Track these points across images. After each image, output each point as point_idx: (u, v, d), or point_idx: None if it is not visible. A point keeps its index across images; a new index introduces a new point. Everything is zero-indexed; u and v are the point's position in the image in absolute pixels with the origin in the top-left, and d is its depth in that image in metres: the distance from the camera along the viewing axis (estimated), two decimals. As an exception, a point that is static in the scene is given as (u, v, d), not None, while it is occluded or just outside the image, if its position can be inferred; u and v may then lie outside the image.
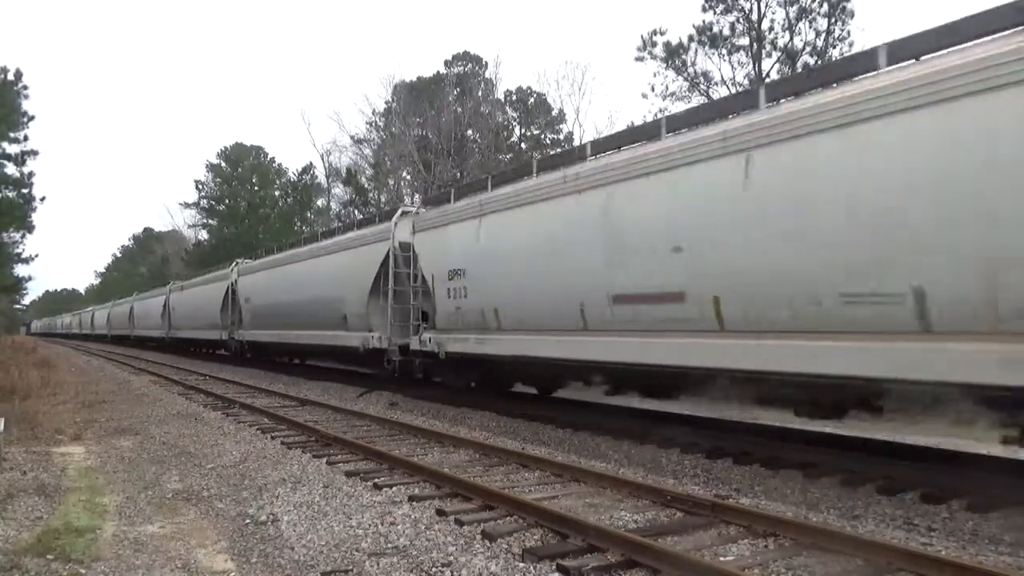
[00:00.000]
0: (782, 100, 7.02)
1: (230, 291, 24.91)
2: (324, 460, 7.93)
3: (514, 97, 39.95)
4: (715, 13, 26.38)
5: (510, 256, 10.22)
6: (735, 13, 26.22)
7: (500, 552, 4.79)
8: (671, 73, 27.82)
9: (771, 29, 25.95)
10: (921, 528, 5.46)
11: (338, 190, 44.08)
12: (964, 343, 5.34)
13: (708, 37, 26.52)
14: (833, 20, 24.91)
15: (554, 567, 4.48)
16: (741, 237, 6.89)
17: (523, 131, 40.33)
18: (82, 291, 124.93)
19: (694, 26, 26.93)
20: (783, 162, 6.56)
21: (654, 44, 27.51)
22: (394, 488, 6.57)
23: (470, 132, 34.91)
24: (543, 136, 39.74)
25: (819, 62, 23.48)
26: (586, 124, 68.64)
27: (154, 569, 4.75)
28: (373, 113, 39.27)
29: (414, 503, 6.05)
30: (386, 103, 37.57)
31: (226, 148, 60.02)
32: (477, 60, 39.09)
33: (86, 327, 65.04)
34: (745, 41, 26.42)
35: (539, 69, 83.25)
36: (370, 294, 14.42)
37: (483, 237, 10.90)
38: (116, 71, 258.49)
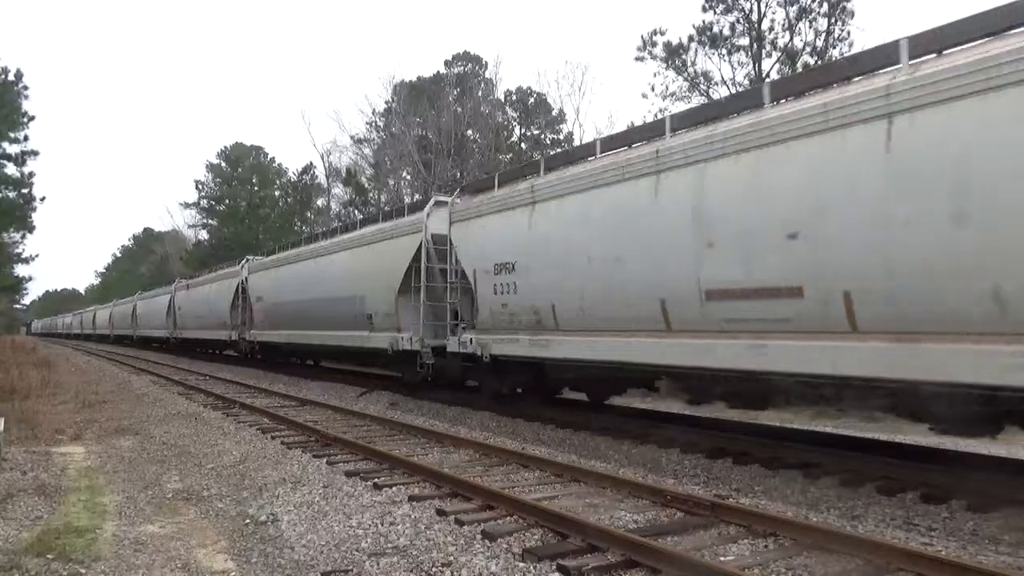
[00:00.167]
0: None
1: (240, 289, 23.95)
2: (324, 460, 7.93)
3: (514, 97, 39.90)
4: (715, 13, 26.34)
5: (570, 247, 9.15)
6: (735, 13, 26.19)
7: (500, 552, 4.79)
8: (671, 73, 27.75)
9: (771, 29, 25.92)
10: (921, 528, 5.46)
11: (338, 190, 44.04)
12: None
13: (708, 37, 26.47)
14: (833, 20, 24.87)
15: (554, 567, 4.48)
16: (886, 221, 5.72)
17: (523, 131, 40.31)
18: (82, 291, 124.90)
19: (694, 26, 26.86)
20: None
21: (654, 44, 27.45)
22: (394, 488, 6.57)
23: (470, 132, 34.86)
24: (543, 136, 39.72)
25: (819, 62, 23.45)
26: (586, 124, 68.72)
27: (154, 569, 4.75)
28: (373, 113, 39.24)
29: (414, 503, 6.05)
30: (386, 103, 37.54)
31: (226, 148, 60.04)
32: (477, 60, 39.08)
33: (88, 327, 64.52)
34: (745, 41, 26.38)
35: (539, 69, 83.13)
36: (399, 291, 13.39)
37: (536, 226, 9.86)
38: (116, 71, 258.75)
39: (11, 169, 31.55)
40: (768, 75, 25.12)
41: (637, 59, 27.94)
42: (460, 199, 12.35)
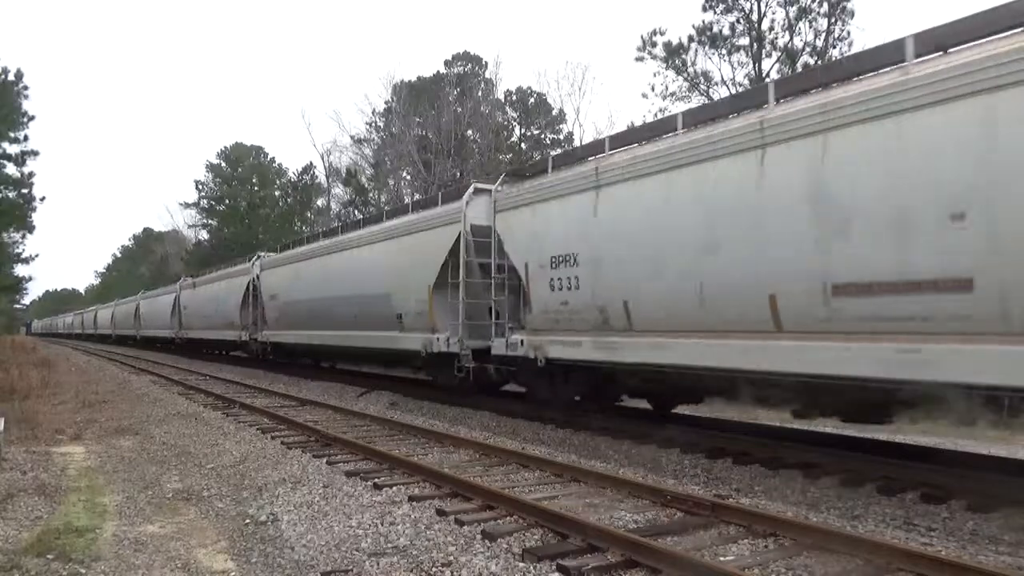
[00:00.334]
0: None
1: (251, 288, 22.72)
2: (324, 460, 7.92)
3: (514, 97, 39.94)
4: (715, 13, 26.37)
5: (647, 236, 8.11)
6: (735, 13, 26.22)
7: (500, 552, 4.79)
8: (671, 73, 27.81)
9: (771, 29, 25.96)
10: (921, 528, 5.46)
11: (338, 190, 44.06)
12: None
13: (708, 37, 26.51)
14: (833, 20, 24.90)
15: (554, 567, 4.48)
16: None
17: (523, 131, 40.33)
18: (82, 291, 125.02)
19: (694, 26, 26.92)
20: None
21: (654, 44, 27.50)
22: (394, 488, 6.57)
23: (470, 132, 34.88)
24: (543, 136, 39.74)
25: (818, 62, 23.46)
26: (586, 124, 68.82)
27: (154, 569, 4.75)
28: (373, 113, 39.26)
29: (414, 503, 6.05)
30: (386, 103, 37.54)
31: (226, 148, 60.10)
32: (477, 60, 39.10)
33: (89, 327, 64.04)
34: (745, 41, 26.42)
35: (539, 69, 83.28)
36: (434, 288, 12.28)
37: (603, 213, 8.77)
38: (116, 71, 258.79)
39: (11, 169, 31.57)
40: (768, 75, 25.14)
41: (637, 59, 28.00)
42: (505, 186, 11.18)
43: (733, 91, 24.65)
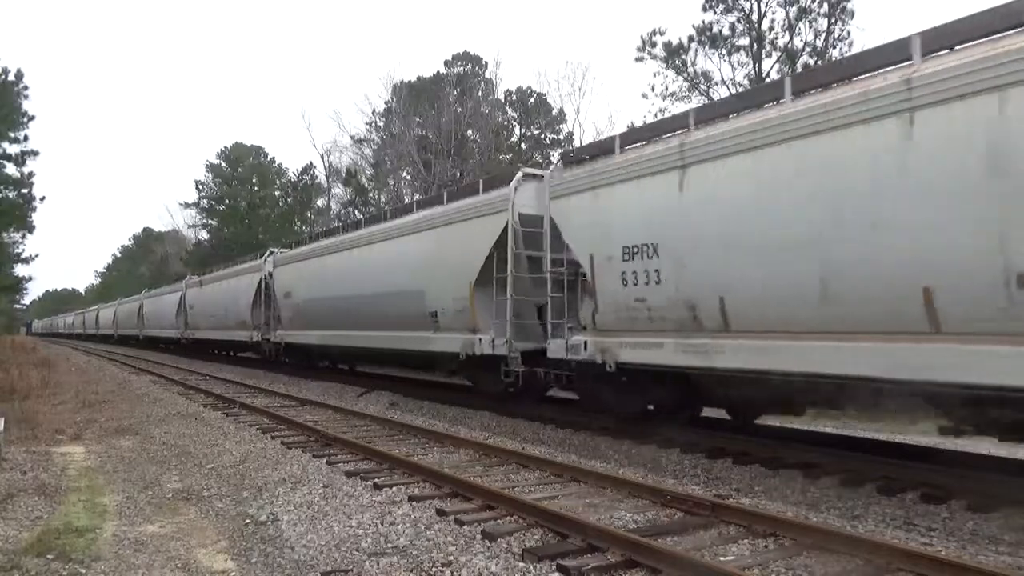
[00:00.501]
0: None
1: (263, 285, 21.60)
2: (324, 460, 7.93)
3: (514, 97, 39.98)
4: (715, 13, 26.38)
5: (751, 222, 7.00)
6: (735, 13, 26.22)
7: (500, 552, 4.79)
8: (671, 73, 27.82)
9: (771, 29, 25.96)
10: (921, 528, 5.46)
11: (338, 190, 44.11)
12: None
13: (708, 37, 26.52)
14: (833, 20, 24.90)
15: (554, 567, 4.48)
16: None
17: (523, 131, 40.35)
18: (82, 291, 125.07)
19: (694, 26, 26.93)
20: None
21: (654, 44, 27.51)
22: (394, 488, 6.57)
23: (470, 132, 34.91)
24: (543, 136, 39.77)
25: (818, 62, 23.46)
26: (586, 124, 68.81)
27: (154, 569, 4.75)
28: (373, 113, 39.31)
29: (414, 503, 6.05)
30: (386, 103, 37.57)
31: (226, 148, 60.07)
32: (477, 60, 39.11)
33: (90, 327, 63.55)
34: (745, 41, 26.42)
35: (539, 69, 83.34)
36: (475, 284, 11.28)
37: (691, 196, 7.71)
38: (116, 71, 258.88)
39: (11, 169, 31.56)
40: (768, 75, 25.14)
41: (637, 59, 28.01)
42: (559, 171, 10.13)
43: (733, 91, 24.66)
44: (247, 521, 5.78)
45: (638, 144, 8.79)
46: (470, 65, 39.17)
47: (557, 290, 9.83)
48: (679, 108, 26.20)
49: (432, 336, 12.52)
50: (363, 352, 16.93)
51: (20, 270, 38.91)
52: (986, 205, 5.29)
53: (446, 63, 39.56)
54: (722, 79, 27.02)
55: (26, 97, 31.77)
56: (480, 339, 11.12)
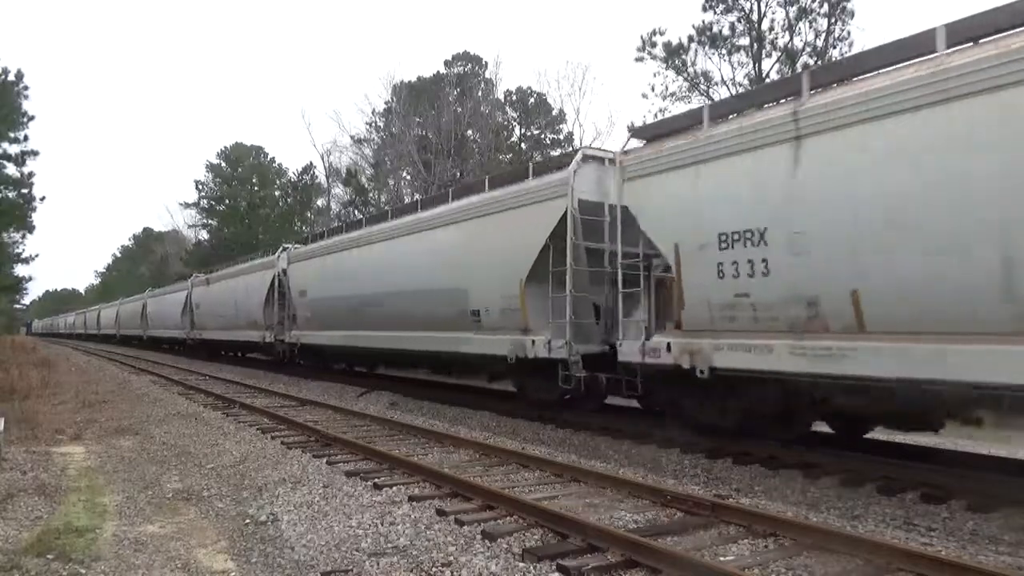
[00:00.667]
0: None
1: (276, 283, 20.59)
2: (324, 460, 7.93)
3: (514, 97, 39.95)
4: (715, 13, 26.39)
5: (896, 199, 5.89)
6: (735, 13, 26.23)
7: (500, 552, 4.79)
8: (671, 73, 27.84)
9: (771, 29, 25.98)
10: (921, 528, 5.46)
11: (338, 190, 44.14)
12: None
13: (708, 37, 26.53)
14: (833, 20, 24.92)
15: (554, 567, 4.48)
16: None
17: (523, 131, 40.34)
18: (82, 291, 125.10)
19: (694, 26, 26.95)
20: None
21: (654, 44, 27.52)
22: (394, 488, 6.57)
23: (470, 132, 34.92)
24: (543, 136, 39.76)
25: (819, 62, 23.47)
26: (586, 124, 68.83)
27: (154, 569, 4.75)
28: (373, 113, 39.33)
29: (414, 503, 6.05)
30: (386, 103, 37.58)
31: (226, 148, 60.10)
32: (477, 60, 39.11)
33: (92, 327, 63.06)
34: (745, 41, 26.44)
35: (539, 69, 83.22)
36: (527, 280, 10.20)
37: (809, 172, 6.59)
38: (116, 71, 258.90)
39: (11, 169, 31.56)
40: (768, 75, 25.15)
41: (637, 59, 28.02)
42: (637, 148, 8.93)
43: (733, 91, 24.66)
44: (247, 521, 5.78)
45: (732, 115, 7.78)
46: (470, 65, 39.17)
47: (629, 285, 8.82)
48: (679, 108, 26.21)
49: (472, 337, 11.47)
50: (388, 354, 15.84)
51: (20, 270, 38.96)
52: None
53: (446, 63, 39.60)
54: (722, 79, 27.04)
55: (26, 97, 31.80)
56: (533, 341, 10.06)
